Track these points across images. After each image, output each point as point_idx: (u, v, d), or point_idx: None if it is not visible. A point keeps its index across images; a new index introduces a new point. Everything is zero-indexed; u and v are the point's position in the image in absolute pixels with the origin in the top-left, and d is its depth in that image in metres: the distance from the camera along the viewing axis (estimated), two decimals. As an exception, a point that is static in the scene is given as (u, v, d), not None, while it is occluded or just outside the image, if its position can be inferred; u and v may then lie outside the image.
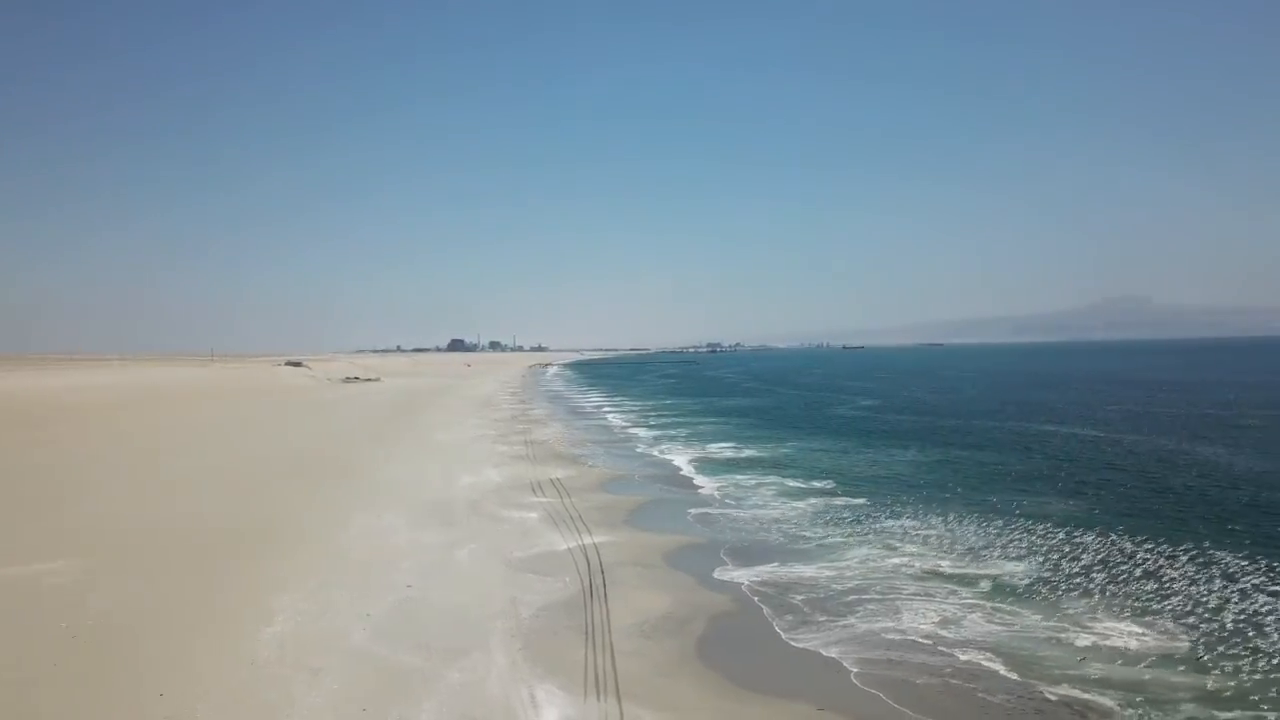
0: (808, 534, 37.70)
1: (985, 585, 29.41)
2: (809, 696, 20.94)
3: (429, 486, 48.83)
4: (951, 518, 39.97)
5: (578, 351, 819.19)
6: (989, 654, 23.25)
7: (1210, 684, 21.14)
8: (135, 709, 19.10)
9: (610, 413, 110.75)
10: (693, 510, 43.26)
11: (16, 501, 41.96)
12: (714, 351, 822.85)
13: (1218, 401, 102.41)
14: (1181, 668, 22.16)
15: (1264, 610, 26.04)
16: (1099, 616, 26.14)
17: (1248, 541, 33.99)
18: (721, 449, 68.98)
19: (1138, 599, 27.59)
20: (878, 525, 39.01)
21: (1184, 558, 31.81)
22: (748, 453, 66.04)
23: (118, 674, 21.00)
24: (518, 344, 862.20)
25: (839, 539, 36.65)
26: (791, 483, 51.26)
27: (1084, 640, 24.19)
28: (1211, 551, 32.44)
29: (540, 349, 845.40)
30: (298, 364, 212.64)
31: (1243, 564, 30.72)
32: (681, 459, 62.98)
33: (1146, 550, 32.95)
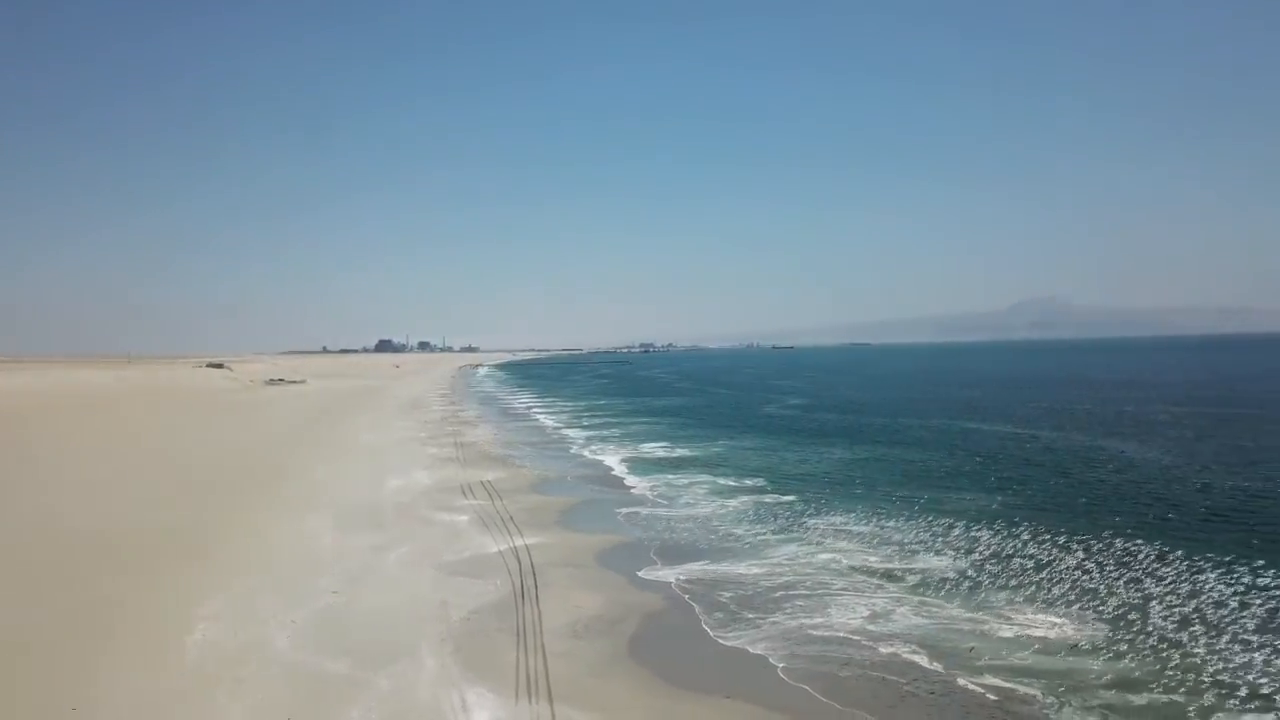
0: (738, 532, 38.02)
1: (911, 580, 30.02)
2: (738, 692, 21.12)
3: (356, 490, 47.96)
4: (879, 514, 40.70)
5: (510, 352, 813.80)
6: (915, 646, 23.72)
7: (1125, 670, 21.88)
8: (45, 725, 18.36)
9: (542, 414, 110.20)
10: (625, 510, 43.28)
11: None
12: (647, 352, 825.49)
13: (1131, 399, 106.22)
14: (1098, 655, 22.90)
15: (1172, 598, 27.03)
16: (1021, 608, 26.87)
17: (1158, 533, 35.30)
18: (654, 449, 69.15)
19: (1057, 590, 28.43)
20: (807, 522, 39.52)
21: (1099, 550, 32.88)
22: (680, 452, 66.33)
23: (28, 687, 20.15)
24: (448, 344, 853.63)
25: (769, 536, 37.03)
26: (723, 481, 51.64)
27: (1007, 631, 24.84)
28: (1125, 544, 33.60)
29: (471, 349, 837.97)
30: (219, 365, 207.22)
31: (1153, 555, 31.88)
32: (614, 459, 62.97)
33: (1064, 543, 33.99)
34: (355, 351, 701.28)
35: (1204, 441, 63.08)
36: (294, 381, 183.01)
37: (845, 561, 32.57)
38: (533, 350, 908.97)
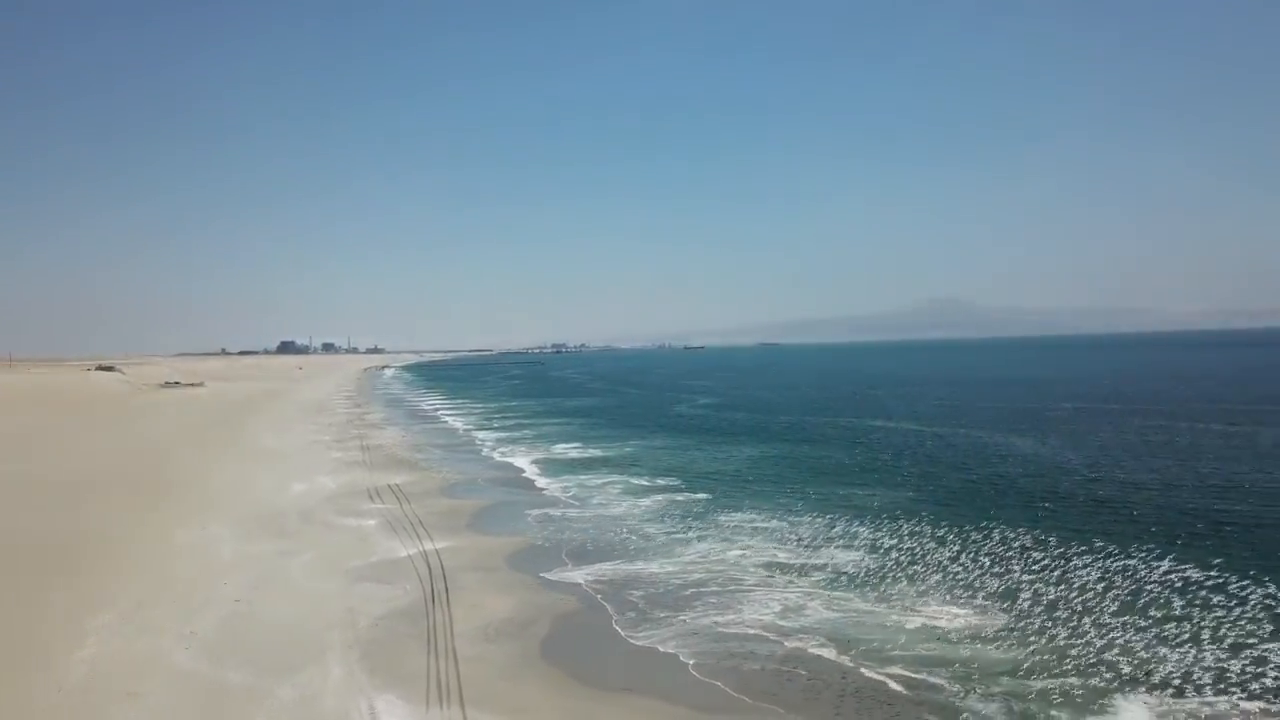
0: (651, 531, 38.17)
1: (821, 575, 30.60)
2: (650, 690, 21.20)
3: (258, 496, 46.54)
4: (789, 511, 41.38)
5: (417, 353, 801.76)
6: (825, 640, 24.18)
7: (1026, 656, 22.72)
8: (-82, 750, 17.27)
9: (452, 416, 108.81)
10: (536, 512, 43.02)
11: None
12: (559, 353, 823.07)
13: (1027, 396, 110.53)
14: (1000, 643, 23.73)
15: (1066, 586, 28.20)
16: (926, 599, 27.66)
17: (1053, 525, 36.80)
18: (566, 450, 68.96)
19: (960, 581, 29.36)
20: (719, 520, 39.93)
21: (999, 541, 34.08)
22: (592, 453, 66.30)
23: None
24: (353, 346, 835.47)
25: (681, 535, 37.29)
26: (636, 481, 51.80)
27: (913, 622, 25.53)
28: (1022, 535, 34.90)
29: (377, 351, 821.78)
30: (110, 368, 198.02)
31: (1048, 545, 33.18)
32: (525, 461, 62.57)
33: (966, 536, 35.12)
34: (256, 353, 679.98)
35: (1094, 436, 66.01)
36: (191, 384, 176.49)
37: (756, 558, 33.01)
38: (442, 351, 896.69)
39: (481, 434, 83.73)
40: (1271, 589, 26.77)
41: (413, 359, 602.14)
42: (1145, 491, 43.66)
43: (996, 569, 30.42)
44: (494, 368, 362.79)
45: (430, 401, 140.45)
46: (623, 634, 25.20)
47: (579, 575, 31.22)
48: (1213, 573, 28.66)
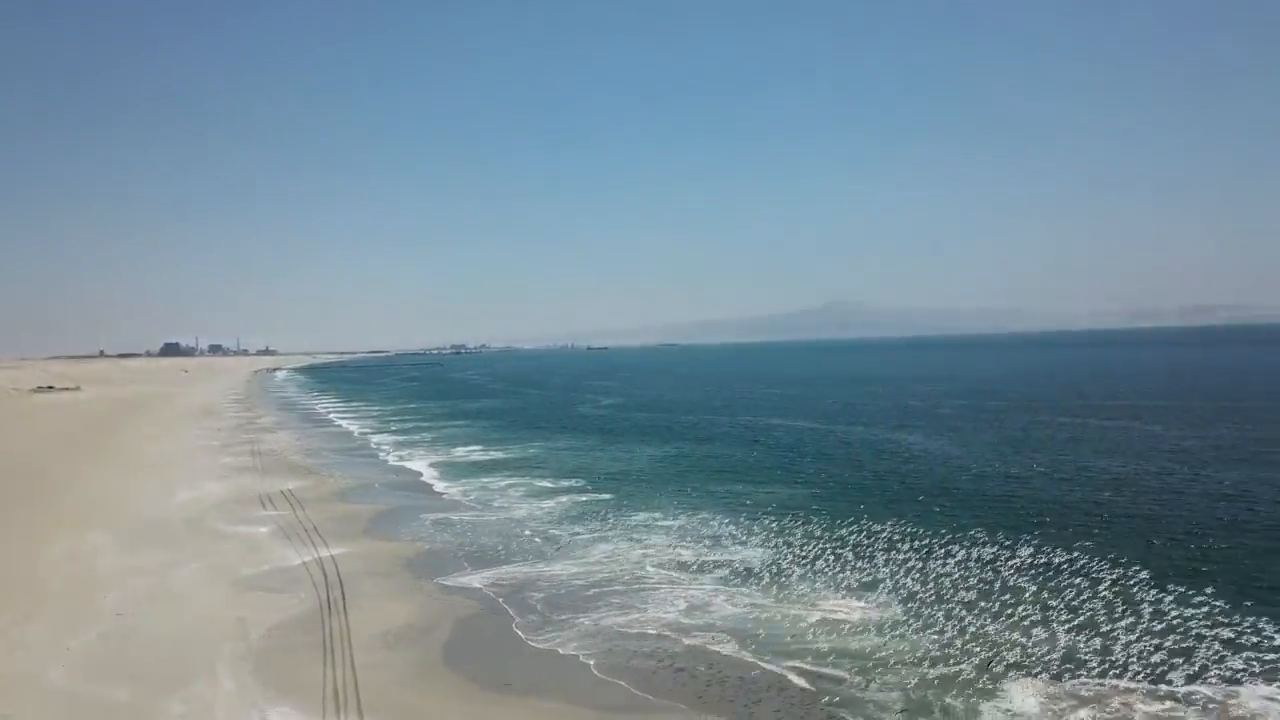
0: (555, 533, 37.99)
1: (723, 572, 30.97)
2: (553, 692, 21.09)
3: (141, 504, 44.50)
4: (692, 509, 41.77)
5: (310, 355, 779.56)
6: (728, 636, 24.47)
7: (922, 646, 23.43)
8: None
9: (347, 419, 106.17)
10: (436, 516, 42.33)
11: None
12: (459, 353, 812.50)
13: (918, 394, 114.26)
14: (898, 634, 24.41)
15: (958, 577, 29.23)
16: (825, 594, 28.27)
17: (943, 519, 38.13)
18: (467, 452, 68.07)
19: (858, 575, 30.09)
20: (623, 520, 40.02)
21: (893, 535, 35.09)
22: (494, 455, 65.61)
23: None
24: (243, 348, 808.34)
25: (586, 536, 37.23)
26: (539, 483, 51.49)
27: (813, 616, 26.06)
28: (915, 529, 36.03)
29: (269, 352, 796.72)
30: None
31: (939, 539, 34.34)
32: (424, 464, 61.51)
33: (862, 530, 36.05)
34: (138, 356, 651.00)
35: (981, 433, 68.67)
36: (66, 388, 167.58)
37: (660, 557, 33.20)
38: (337, 353, 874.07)
39: (378, 437, 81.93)
40: (1145, 575, 28.30)
41: (306, 361, 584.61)
42: (1028, 485, 45.63)
43: (892, 562, 31.31)
44: (391, 369, 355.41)
45: (325, 404, 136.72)
46: (524, 637, 25.00)
47: (480, 579, 30.84)
48: (1095, 561, 30.15)
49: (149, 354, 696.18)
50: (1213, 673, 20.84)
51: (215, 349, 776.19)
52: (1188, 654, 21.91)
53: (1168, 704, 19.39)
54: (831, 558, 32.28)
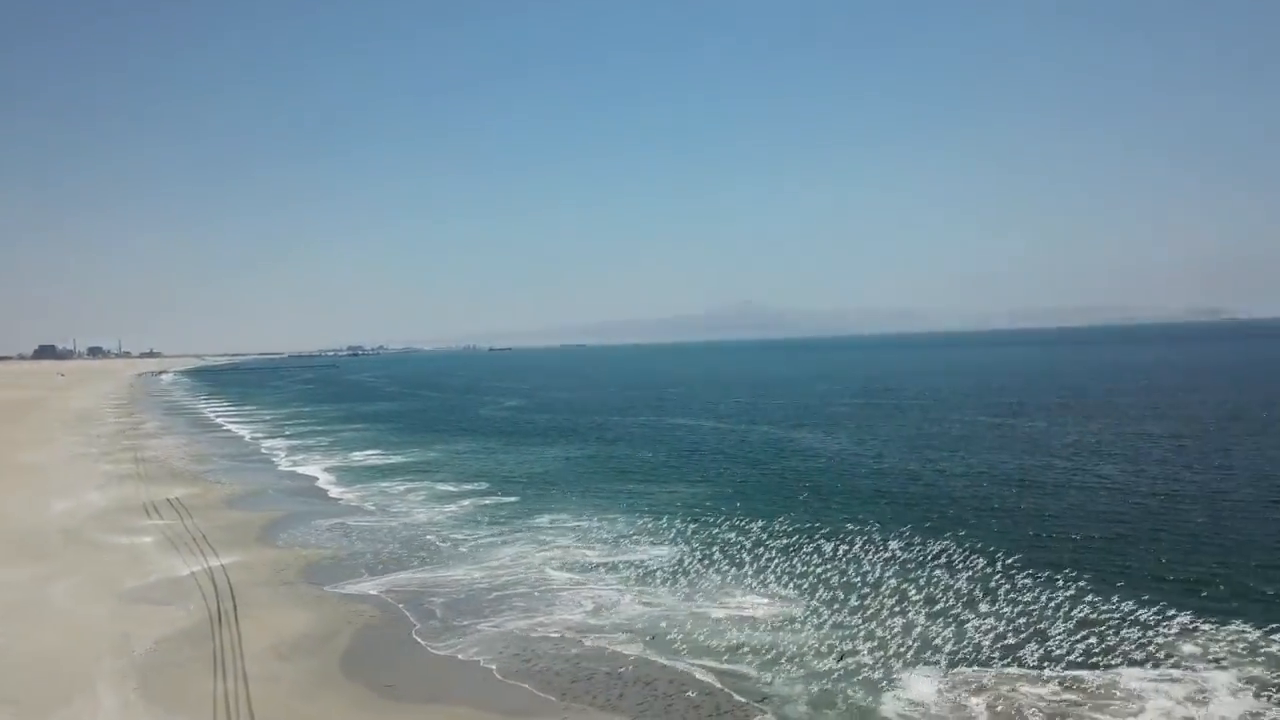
0: (458, 537, 37.38)
1: (630, 571, 30.96)
2: (455, 698, 20.67)
3: (13, 515, 41.97)
4: (598, 510, 41.67)
5: (199, 357, 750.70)
6: (635, 635, 24.44)
7: (825, 639, 23.80)
8: None
9: (238, 423, 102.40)
10: (333, 521, 41.16)
11: None
12: (356, 355, 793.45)
13: (817, 393, 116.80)
14: (799, 628, 24.78)
15: (855, 571, 29.89)
16: (730, 590, 28.53)
17: (842, 514, 39.01)
18: (365, 456, 66.46)
19: (762, 571, 30.45)
20: (528, 522, 39.65)
21: (794, 531, 35.67)
22: (394, 459, 64.23)
23: None
24: (125, 350, 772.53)
25: (489, 539, 36.74)
26: (441, 486, 50.61)
27: (719, 613, 26.26)
28: (815, 525, 36.72)
29: (153, 355, 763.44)
30: None
31: (839, 534, 35.07)
32: (320, 469, 59.80)
33: (765, 527, 36.54)
34: (8, 359, 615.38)
35: (877, 430, 70.57)
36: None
37: (566, 558, 32.99)
38: (227, 355, 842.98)
39: (271, 442, 79.29)
40: (1033, 566, 29.51)
41: (195, 363, 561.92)
42: (921, 480, 47.08)
43: (794, 558, 31.82)
44: (284, 372, 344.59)
45: (214, 408, 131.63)
46: (424, 644, 24.47)
47: (379, 586, 30.07)
48: (986, 553, 31.24)
49: (21, 357, 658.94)
50: (1098, 657, 21.82)
51: (95, 351, 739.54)
52: (1074, 640, 22.87)
53: (1056, 688, 20.20)
54: (735, 555, 32.62)
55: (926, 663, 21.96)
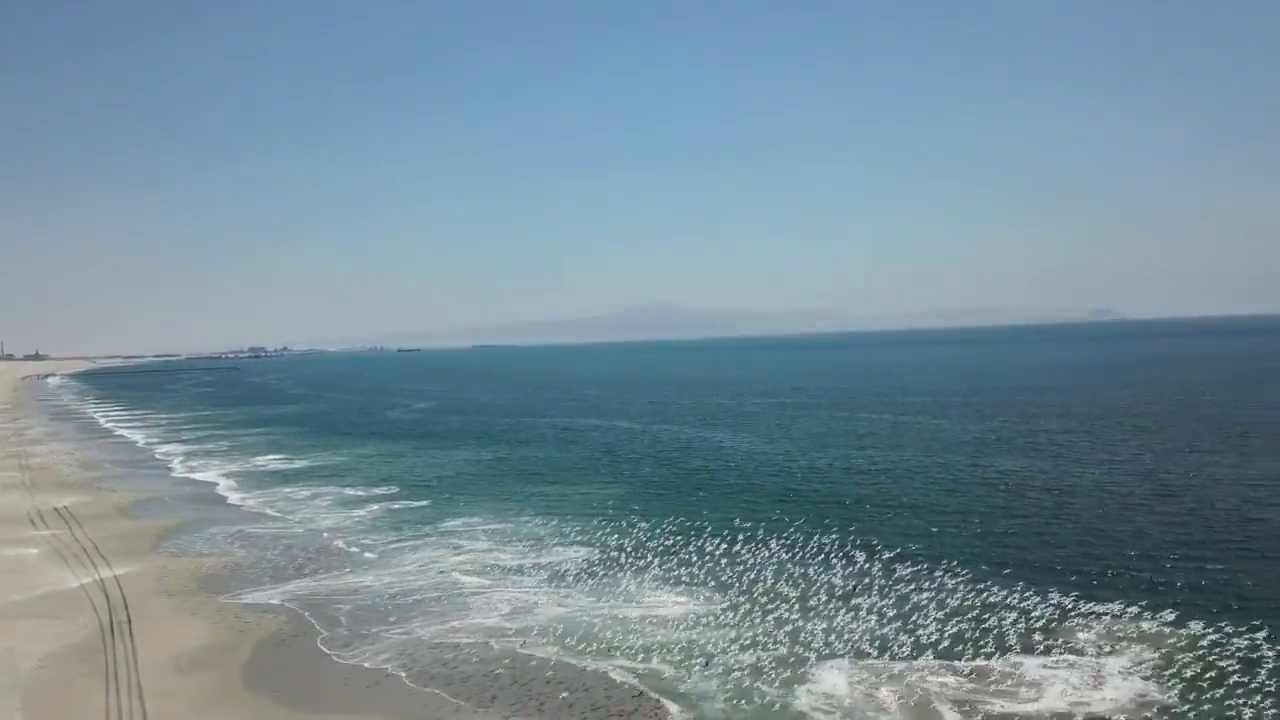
0: (366, 542, 36.60)
1: (545, 573, 30.77)
2: (365, 707, 20.19)
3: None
4: (511, 512, 41.32)
5: (89, 360, 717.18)
6: (552, 638, 24.25)
7: (741, 636, 24.03)
8: None
9: (132, 428, 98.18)
10: (234, 529, 39.83)
11: None
12: (258, 357, 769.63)
13: (728, 394, 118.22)
14: (717, 626, 24.96)
15: (765, 569, 30.29)
16: (645, 590, 28.60)
17: (751, 513, 39.52)
18: (268, 461, 64.53)
19: (676, 570, 30.60)
20: (440, 526, 39.08)
21: (707, 530, 35.92)
22: (298, 463, 62.53)
23: None
24: (7, 353, 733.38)
25: (399, 544, 36.08)
26: (348, 491, 49.49)
27: (634, 612, 26.30)
28: (726, 523, 37.04)
29: (39, 357, 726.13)
30: None
31: (749, 532, 35.44)
32: (220, 474, 57.84)
33: (678, 526, 36.76)
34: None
35: (784, 428, 71.85)
36: None
37: (480, 561, 32.61)
38: (121, 358, 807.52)
39: (167, 447, 76.33)
40: (936, 560, 30.42)
41: (85, 366, 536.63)
42: (827, 478, 48.14)
43: (707, 556, 32.07)
44: (182, 375, 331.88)
45: (105, 413, 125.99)
46: (330, 653, 23.85)
47: (283, 594, 29.19)
48: (890, 548, 32.04)
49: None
50: (1000, 648, 22.56)
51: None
52: (977, 632, 23.63)
53: (959, 678, 20.85)
54: (649, 554, 32.73)
55: (837, 654, 22.43)
